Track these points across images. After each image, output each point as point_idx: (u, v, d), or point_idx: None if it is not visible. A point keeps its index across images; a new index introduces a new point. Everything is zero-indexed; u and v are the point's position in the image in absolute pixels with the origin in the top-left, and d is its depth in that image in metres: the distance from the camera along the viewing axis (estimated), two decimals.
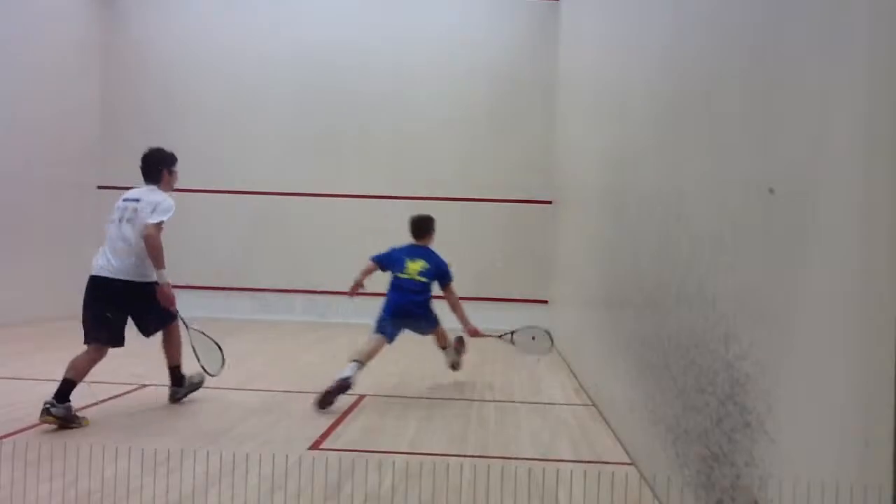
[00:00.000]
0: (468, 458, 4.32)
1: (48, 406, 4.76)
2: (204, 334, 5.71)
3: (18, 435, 4.56)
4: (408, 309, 6.34)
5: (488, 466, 3.45)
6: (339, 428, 5.07)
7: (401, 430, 5.10)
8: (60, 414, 4.77)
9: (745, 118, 2.73)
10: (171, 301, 5.39)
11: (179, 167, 5.69)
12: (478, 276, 11.37)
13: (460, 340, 6.96)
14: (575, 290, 7.96)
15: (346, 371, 5.72)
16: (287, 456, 4.00)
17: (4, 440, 4.38)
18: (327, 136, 11.78)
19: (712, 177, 3.09)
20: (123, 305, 5.24)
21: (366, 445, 4.65)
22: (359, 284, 6.44)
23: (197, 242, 11.50)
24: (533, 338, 6.86)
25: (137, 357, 6.56)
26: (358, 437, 4.88)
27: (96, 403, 5.48)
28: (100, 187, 11.71)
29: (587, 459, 4.47)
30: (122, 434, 4.75)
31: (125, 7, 12.16)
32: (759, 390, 2.48)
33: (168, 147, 5.71)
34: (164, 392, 5.74)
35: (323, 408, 5.46)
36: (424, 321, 6.52)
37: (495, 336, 6.78)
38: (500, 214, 11.80)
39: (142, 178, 5.58)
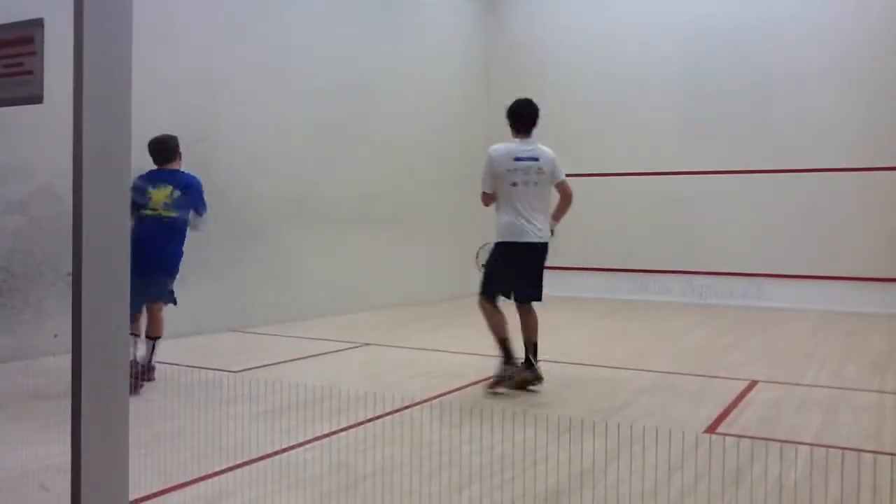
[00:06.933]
0: (888, 456, 3.90)
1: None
2: None
3: (439, 399, 5.20)
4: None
5: None
6: (734, 412, 4.92)
7: (802, 419, 4.78)
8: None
9: None
10: None
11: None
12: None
13: None
14: None
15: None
16: (683, 433, 4.01)
17: (433, 401, 5.04)
18: (714, 116, 11.24)
19: None
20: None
21: (765, 433, 4.44)
22: None
23: (580, 225, 11.96)
24: None
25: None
26: (755, 424, 4.68)
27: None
28: None
29: None
30: (521, 405, 5.12)
31: (504, 13, 12.99)
32: None
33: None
34: (552, 369, 6.03)
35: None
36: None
37: None
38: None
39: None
